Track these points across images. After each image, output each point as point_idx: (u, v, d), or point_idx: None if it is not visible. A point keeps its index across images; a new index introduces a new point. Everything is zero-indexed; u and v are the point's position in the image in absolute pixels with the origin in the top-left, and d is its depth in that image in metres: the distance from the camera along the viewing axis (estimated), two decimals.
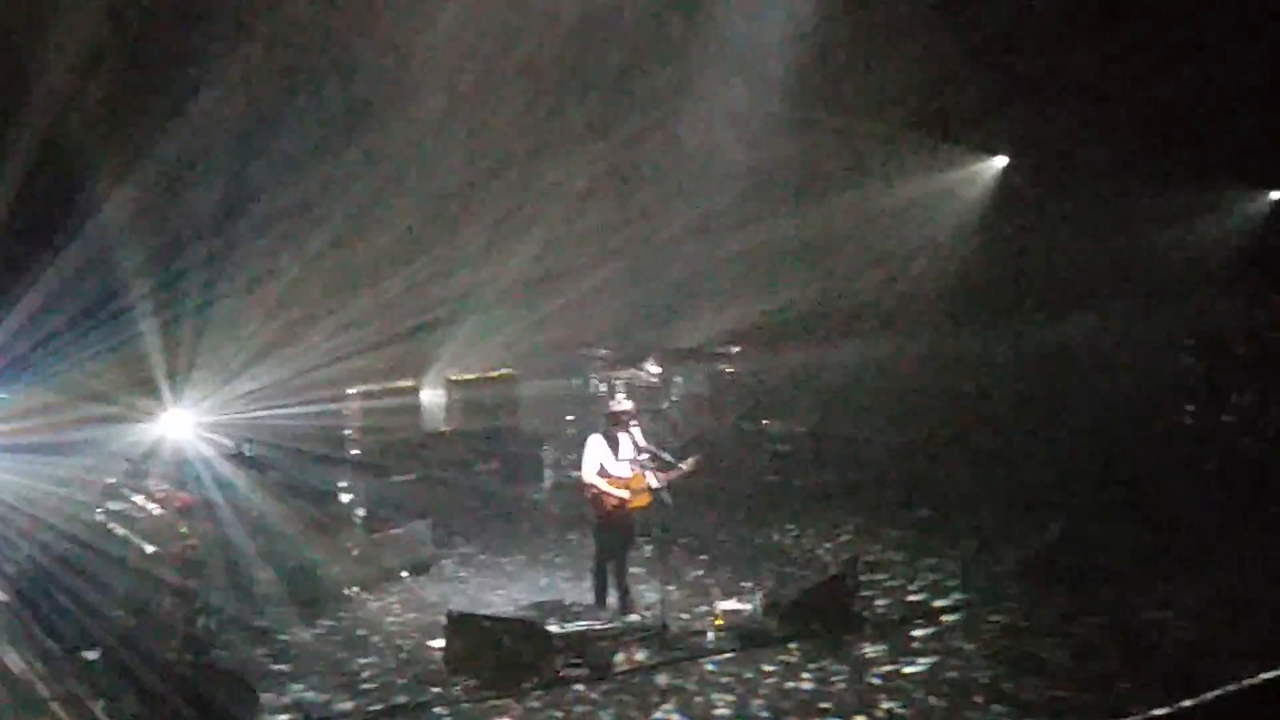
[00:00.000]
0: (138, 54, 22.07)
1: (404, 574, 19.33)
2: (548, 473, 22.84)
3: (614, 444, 16.98)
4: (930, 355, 25.89)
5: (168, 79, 22.20)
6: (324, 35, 23.75)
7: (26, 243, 20.91)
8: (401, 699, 14.85)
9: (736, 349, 26.08)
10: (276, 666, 15.91)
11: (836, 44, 25.73)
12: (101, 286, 21.83)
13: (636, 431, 17.02)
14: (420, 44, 24.35)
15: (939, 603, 17.34)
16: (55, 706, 14.12)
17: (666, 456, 16.99)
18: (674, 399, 25.08)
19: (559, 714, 14.23)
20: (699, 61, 25.99)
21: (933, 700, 14.20)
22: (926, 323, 26.36)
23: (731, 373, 25.56)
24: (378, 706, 14.69)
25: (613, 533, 17.18)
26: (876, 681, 14.84)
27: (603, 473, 16.94)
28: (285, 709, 14.61)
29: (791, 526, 21.27)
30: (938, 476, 22.51)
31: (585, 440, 17.31)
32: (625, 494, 16.84)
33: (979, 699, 14.13)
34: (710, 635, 16.28)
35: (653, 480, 16.75)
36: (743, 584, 18.29)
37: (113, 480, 18.95)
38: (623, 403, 17.61)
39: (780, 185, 26.82)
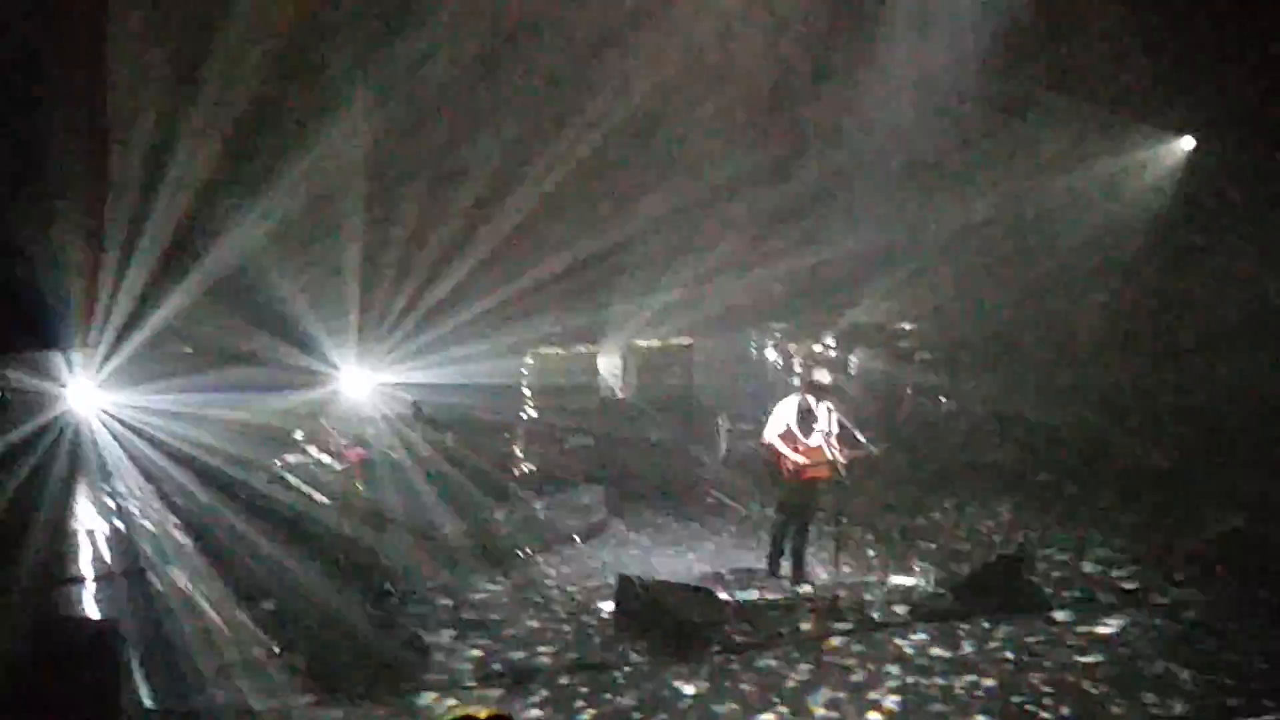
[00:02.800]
0: None
1: (576, 537, 19.62)
2: (723, 441, 22.93)
3: (805, 414, 17.08)
4: (1112, 339, 25.56)
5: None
6: None
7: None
8: (574, 658, 15.13)
9: (913, 327, 25.97)
10: (452, 621, 16.33)
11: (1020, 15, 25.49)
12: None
13: (830, 406, 17.10)
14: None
15: (1109, 587, 17.22)
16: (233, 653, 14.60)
17: (859, 435, 17.07)
18: (851, 375, 25.08)
19: (728, 682, 14.40)
20: (882, 34, 25.88)
21: (1102, 688, 14.18)
22: (1107, 308, 25.97)
23: (909, 349, 25.42)
24: (551, 664, 15.00)
25: (792, 499, 17.31)
26: (1044, 662, 14.87)
27: (789, 437, 17.06)
28: (460, 664, 14.96)
29: (967, 504, 21.25)
30: (1118, 461, 22.19)
31: (770, 408, 17.44)
32: (805, 461, 16.94)
33: (1149, 688, 14.08)
34: (881, 609, 16.33)
35: (837, 454, 16.84)
36: (913, 559, 18.30)
37: (292, 434, 19.46)
38: (823, 375, 17.67)
39: (958, 164, 26.61)
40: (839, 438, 16.94)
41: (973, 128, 26.23)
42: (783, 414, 17.22)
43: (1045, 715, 13.52)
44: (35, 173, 12.91)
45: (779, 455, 17.16)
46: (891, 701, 13.89)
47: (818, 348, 25.38)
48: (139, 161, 18.90)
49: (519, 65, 24.53)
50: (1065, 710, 13.57)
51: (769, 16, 25.96)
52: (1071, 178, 25.94)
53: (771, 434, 17.25)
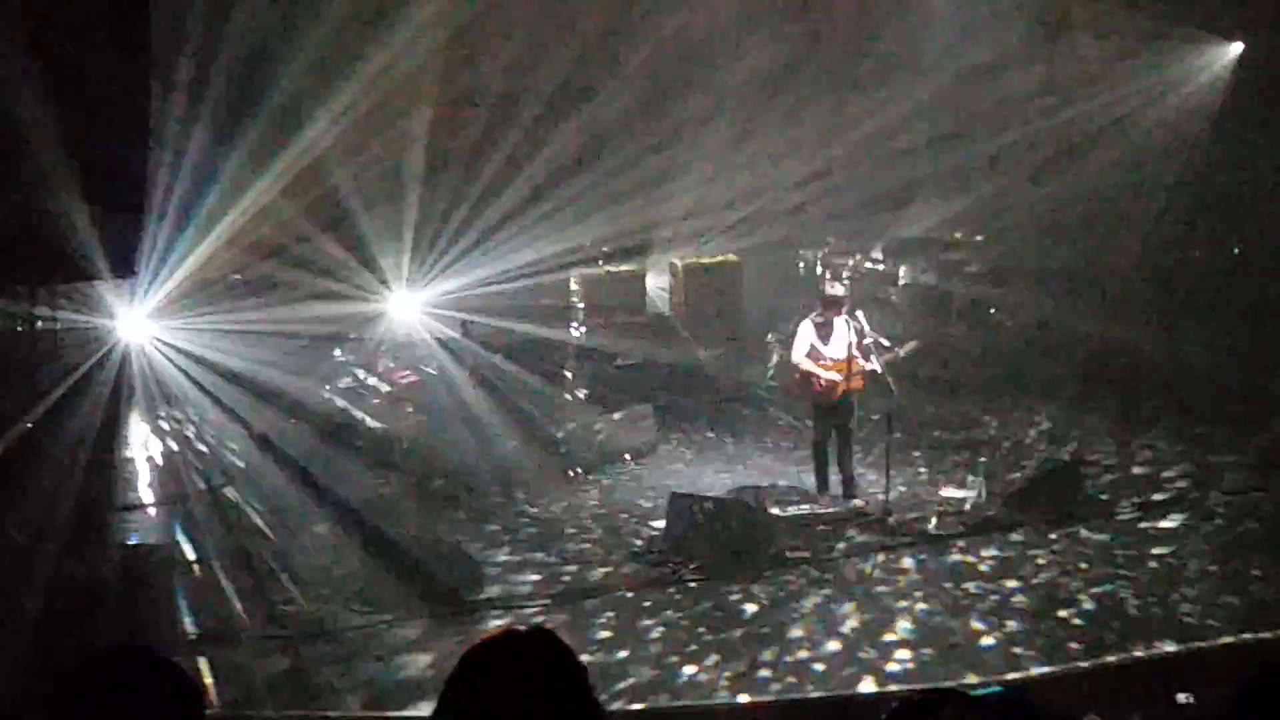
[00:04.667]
0: None
1: (627, 456, 19.82)
2: (773, 357, 23.05)
3: (826, 329, 17.17)
4: (1160, 249, 25.54)
5: None
6: None
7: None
8: (632, 576, 15.46)
9: (964, 239, 26.01)
10: (511, 541, 16.64)
11: None
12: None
13: (856, 317, 17.17)
14: None
15: (1161, 488, 17.35)
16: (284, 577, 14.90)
17: (884, 341, 17.19)
18: (901, 287, 25.13)
19: (781, 594, 14.65)
20: None
21: (1150, 587, 14.50)
22: (1155, 223, 25.89)
23: (959, 262, 25.45)
24: (609, 583, 15.34)
25: (827, 415, 17.47)
26: (1097, 568, 15.13)
27: (814, 354, 17.16)
28: (521, 584, 15.24)
29: (1016, 414, 21.32)
30: (1163, 369, 22.18)
31: (801, 321, 17.56)
32: (836, 376, 17.05)
33: (1207, 588, 14.26)
34: (934, 521, 16.51)
35: (873, 364, 16.94)
36: (965, 471, 18.44)
37: (342, 358, 19.73)
38: (835, 287, 17.77)
39: (1007, 65, 26.51)
40: (863, 346, 17.01)
41: (1014, 38, 26.14)
42: (804, 333, 17.31)
43: (1077, 621, 13.79)
44: (73, 103, 13.04)
45: (808, 374, 17.27)
46: (921, 611, 14.20)
47: (866, 260, 25.46)
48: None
49: None
50: (1098, 614, 13.88)
51: None
52: (1118, 90, 25.87)
53: (798, 354, 17.36)
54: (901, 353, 17.42)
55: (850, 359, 16.96)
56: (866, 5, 26.67)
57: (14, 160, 12.75)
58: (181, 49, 19.11)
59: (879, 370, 16.93)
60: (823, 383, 17.18)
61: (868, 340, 17.03)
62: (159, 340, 18.00)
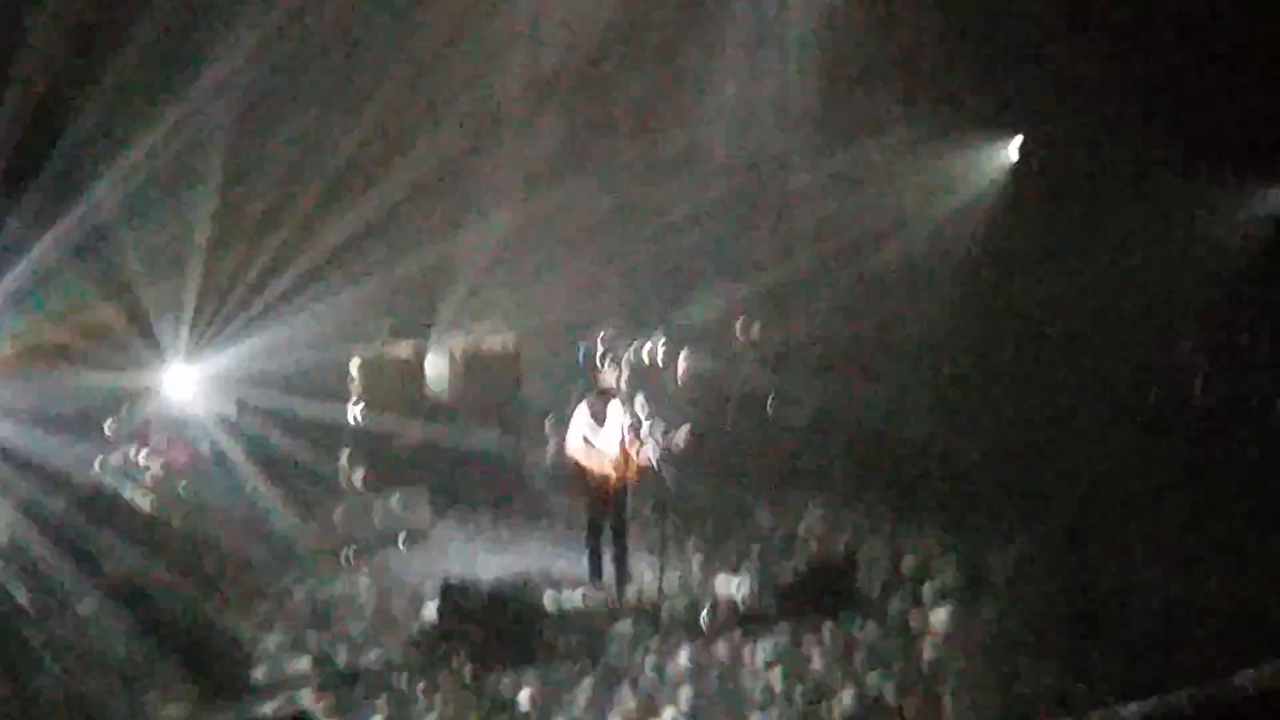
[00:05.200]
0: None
1: (402, 539, 19.80)
2: (550, 444, 23.15)
3: (600, 417, 17.35)
4: (940, 341, 26.18)
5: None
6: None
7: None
8: (405, 661, 15.49)
9: (746, 326, 26.36)
10: (283, 622, 16.47)
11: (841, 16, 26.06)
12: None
13: (633, 405, 17.36)
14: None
15: (928, 586, 17.67)
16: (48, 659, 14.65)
17: (659, 431, 17.38)
18: (680, 375, 25.38)
19: (553, 684, 14.78)
20: (707, 42, 26.35)
21: (914, 682, 14.89)
22: (942, 300, 26.54)
23: (739, 350, 25.79)
24: (383, 668, 15.32)
25: (601, 505, 17.60)
26: (865, 662, 15.47)
27: (589, 444, 17.33)
28: (293, 668, 15.15)
29: (790, 506, 21.52)
30: (936, 463, 22.70)
31: (576, 406, 17.71)
32: (610, 468, 17.21)
33: (972, 684, 14.66)
34: (706, 613, 16.69)
35: (649, 451, 17.10)
36: (738, 563, 18.67)
37: (110, 432, 19.42)
38: (609, 375, 17.94)
39: (791, 157, 27.08)
40: (637, 436, 17.19)
41: (802, 133, 26.70)
42: (578, 422, 17.48)
43: (840, 715, 14.12)
44: None
45: (582, 465, 17.45)
46: (686, 702, 14.45)
47: (645, 346, 25.69)
48: None
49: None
50: (861, 709, 14.22)
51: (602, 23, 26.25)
52: (901, 184, 26.54)
53: (572, 444, 17.53)
54: (678, 442, 17.66)
55: (625, 450, 17.14)
56: (656, 97, 26.99)
57: None
58: None
59: (653, 462, 17.10)
60: (596, 474, 17.33)
61: (643, 430, 17.21)
62: None
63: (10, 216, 20.30)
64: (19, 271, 20.21)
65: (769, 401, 25.18)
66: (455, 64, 25.34)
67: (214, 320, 22.88)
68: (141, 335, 21.94)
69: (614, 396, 17.44)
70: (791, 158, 26.86)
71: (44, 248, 20.58)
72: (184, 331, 22.45)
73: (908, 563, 18.31)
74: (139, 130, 21.87)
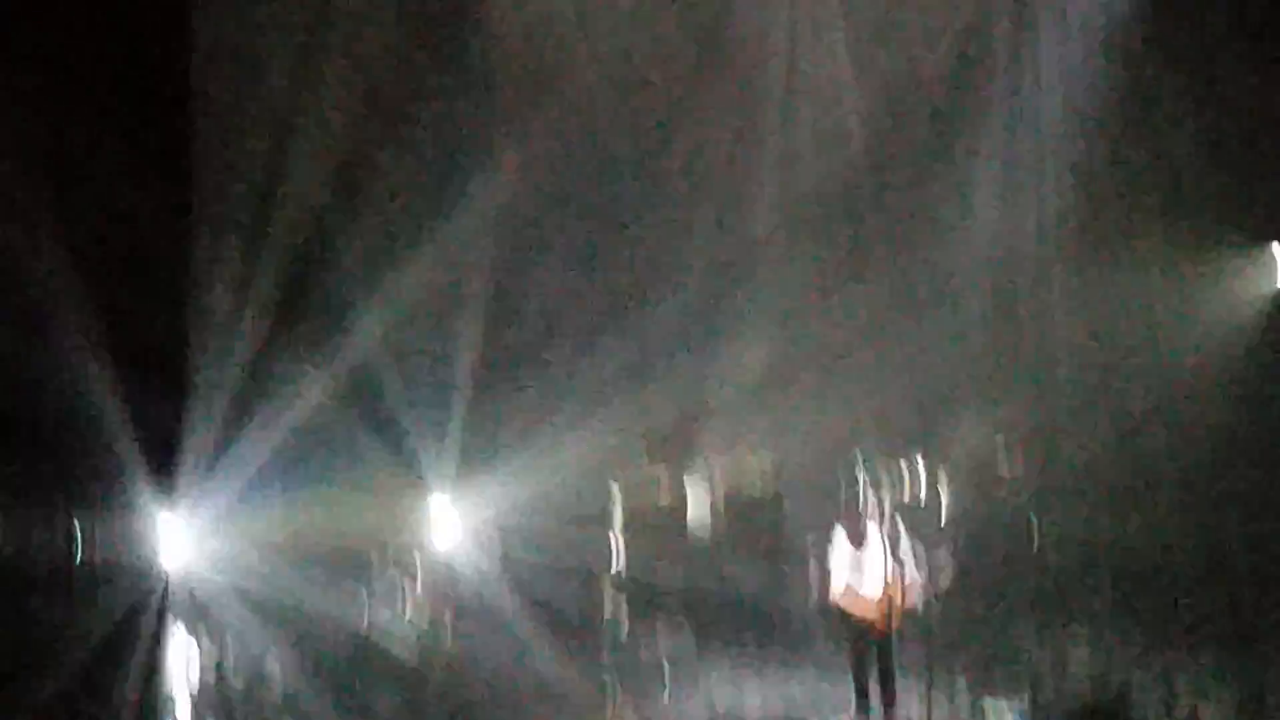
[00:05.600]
0: None
1: (665, 675, 19.80)
2: (813, 572, 23.04)
3: (862, 551, 17.18)
4: (1213, 464, 25.45)
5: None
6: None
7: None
8: None
9: (1008, 446, 26.00)
10: None
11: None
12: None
13: (896, 530, 17.20)
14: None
15: None
16: None
17: (917, 566, 17.20)
18: (940, 499, 25.11)
19: None
20: (960, 160, 26.12)
21: None
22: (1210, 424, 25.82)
23: (999, 476, 25.43)
24: None
25: (864, 636, 17.40)
26: None
27: (851, 586, 17.12)
28: None
29: (1056, 636, 21.14)
30: (1214, 595, 22.09)
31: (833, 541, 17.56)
32: (872, 612, 17.00)
33: None
34: None
35: (914, 595, 16.90)
36: (1005, 693, 18.36)
37: (377, 584, 19.84)
38: (867, 501, 17.78)
39: (1048, 273, 26.63)
40: (901, 571, 16.99)
41: (1058, 248, 26.29)
42: (838, 554, 17.32)
43: None
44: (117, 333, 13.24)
45: (848, 612, 17.28)
46: None
47: (906, 476, 25.45)
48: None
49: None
50: None
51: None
52: (1161, 296, 25.95)
53: (835, 586, 17.36)
54: (943, 579, 17.45)
55: (888, 594, 16.94)
56: (910, 215, 26.77)
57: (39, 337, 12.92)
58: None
59: (917, 602, 16.91)
60: (860, 620, 17.16)
61: (907, 567, 17.04)
62: (202, 567, 18.10)
63: (277, 356, 20.85)
64: (289, 413, 20.71)
65: (1034, 529, 24.78)
66: (711, 188, 25.53)
67: (482, 447, 23.19)
68: (410, 468, 22.34)
69: (874, 523, 17.32)
70: (1048, 274, 26.41)
71: (312, 385, 21.11)
72: (454, 458, 22.79)
73: (1182, 700, 17.88)
74: (402, 262, 22.39)
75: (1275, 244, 25.68)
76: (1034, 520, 24.50)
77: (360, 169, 22.65)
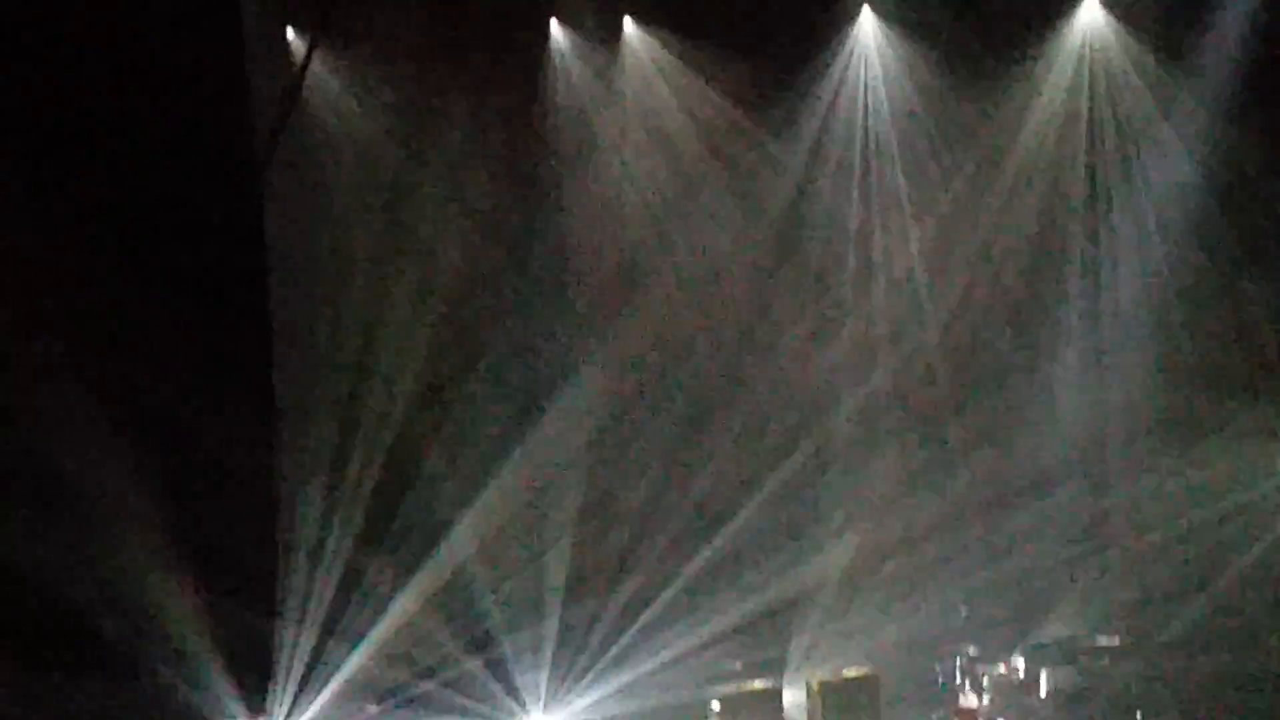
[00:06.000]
0: None
1: None
2: None
3: None
4: None
5: None
6: None
7: None
8: None
9: (1108, 641, 25.65)
10: None
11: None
12: None
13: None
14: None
15: None
16: None
17: None
18: (1042, 696, 24.75)
19: None
20: (1042, 355, 26.21)
21: None
22: None
23: (1103, 667, 25.09)
24: None
25: None
26: None
27: None
28: None
29: None
30: None
31: None
32: None
33: None
34: None
35: None
36: None
37: None
38: (970, 698, 17.68)
39: (1135, 466, 26.49)
40: None
41: (1144, 440, 26.20)
42: None
43: None
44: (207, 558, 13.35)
45: None
46: None
47: (1005, 669, 25.12)
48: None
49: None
50: None
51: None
52: (1249, 486, 25.75)
53: None
54: None
55: None
56: (994, 412, 26.77)
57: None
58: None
59: None
60: None
61: None
62: None
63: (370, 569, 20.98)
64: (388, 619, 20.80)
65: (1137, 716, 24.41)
66: (792, 391, 25.66)
67: (574, 665, 23.09)
68: (506, 690, 22.28)
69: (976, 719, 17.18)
70: (1135, 467, 26.31)
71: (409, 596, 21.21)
72: (544, 679, 22.69)
73: None
74: (491, 476, 22.55)
75: None
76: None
77: (446, 388, 23.02)
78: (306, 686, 19.04)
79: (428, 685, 21.41)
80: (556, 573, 23.25)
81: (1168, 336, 25.87)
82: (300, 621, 18.96)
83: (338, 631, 19.98)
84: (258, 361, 14.96)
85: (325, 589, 19.75)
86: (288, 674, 18.29)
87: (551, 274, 24.45)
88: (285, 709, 18.65)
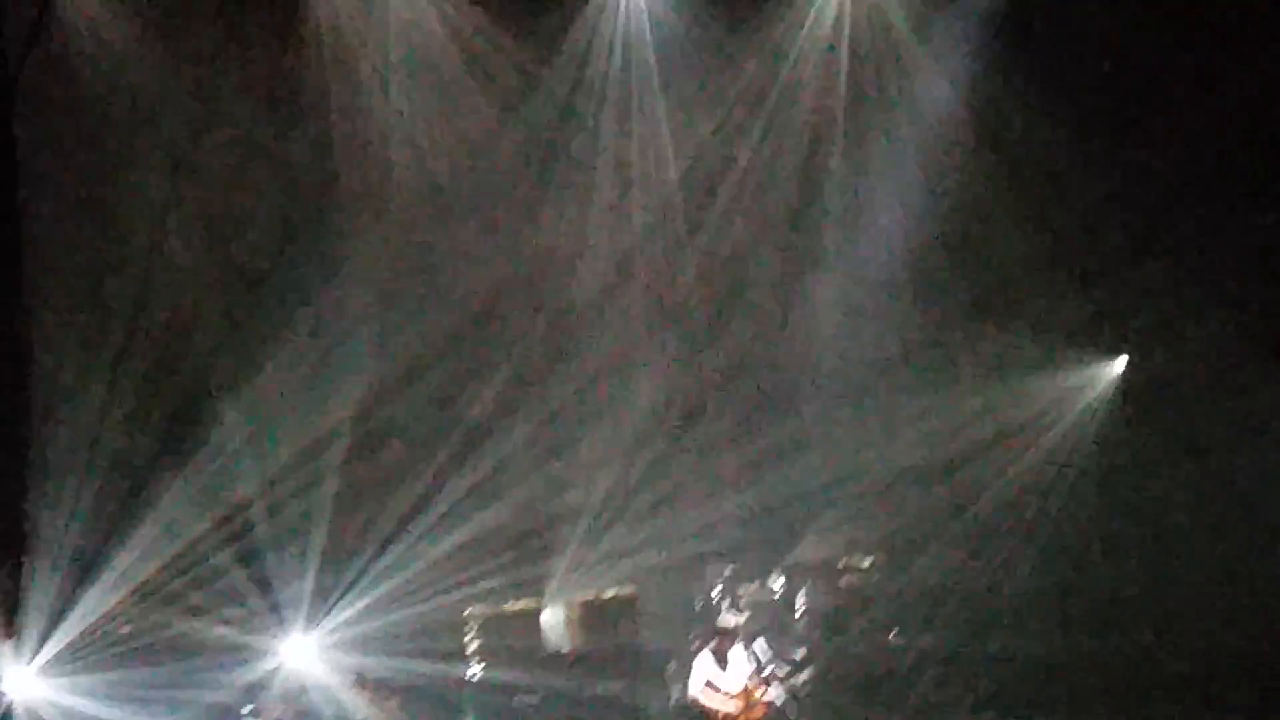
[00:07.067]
0: None
1: None
2: (672, 691, 23.05)
3: (723, 659, 17.35)
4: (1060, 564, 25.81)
5: None
6: None
7: None
8: None
9: (867, 561, 26.20)
10: None
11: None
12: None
13: (755, 646, 17.36)
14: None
15: None
16: None
17: (777, 672, 17.38)
18: (799, 614, 25.24)
19: None
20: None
21: None
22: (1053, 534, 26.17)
23: (858, 586, 25.63)
24: None
25: None
26: None
27: (712, 686, 17.29)
28: None
29: None
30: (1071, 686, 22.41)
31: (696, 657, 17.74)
32: (734, 708, 17.15)
33: None
34: None
35: (774, 693, 17.07)
36: None
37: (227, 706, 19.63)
38: (729, 618, 18.03)
39: (899, 380, 26.97)
40: (761, 677, 17.17)
41: (896, 356, 26.67)
42: (701, 665, 17.51)
43: None
44: None
45: (706, 708, 17.42)
46: None
47: (764, 589, 25.53)
48: None
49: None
50: None
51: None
52: (1006, 405, 26.34)
53: (695, 688, 17.54)
54: (799, 683, 17.60)
55: (748, 690, 17.10)
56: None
57: None
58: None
59: (778, 700, 17.06)
60: (721, 716, 17.29)
61: (766, 670, 17.20)
62: (51, 704, 17.83)
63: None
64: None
65: (891, 634, 25.00)
66: (554, 309, 25.82)
67: (336, 584, 23.08)
68: (270, 607, 22.22)
69: (736, 638, 17.48)
70: (893, 389, 26.81)
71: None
72: (307, 598, 22.66)
73: None
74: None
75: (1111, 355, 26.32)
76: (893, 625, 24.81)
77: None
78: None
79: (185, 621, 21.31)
80: (328, 486, 23.20)
81: (926, 265, 26.35)
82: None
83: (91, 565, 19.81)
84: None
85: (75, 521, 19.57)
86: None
87: (314, 193, 24.19)
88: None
